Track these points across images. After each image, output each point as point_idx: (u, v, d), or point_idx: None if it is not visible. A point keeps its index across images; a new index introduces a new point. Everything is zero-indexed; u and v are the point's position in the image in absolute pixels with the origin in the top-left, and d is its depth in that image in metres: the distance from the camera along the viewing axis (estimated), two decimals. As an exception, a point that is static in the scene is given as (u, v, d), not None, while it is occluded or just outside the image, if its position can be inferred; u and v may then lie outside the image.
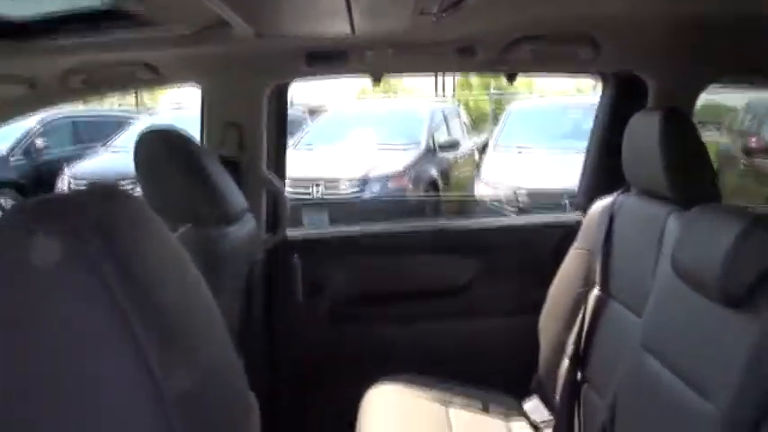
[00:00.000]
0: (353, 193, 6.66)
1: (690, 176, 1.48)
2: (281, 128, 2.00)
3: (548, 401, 1.84)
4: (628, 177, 1.68)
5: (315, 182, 6.61)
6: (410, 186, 6.87)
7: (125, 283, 0.53)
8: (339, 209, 5.77)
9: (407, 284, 2.08)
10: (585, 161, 2.07)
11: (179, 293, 0.63)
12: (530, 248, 2.06)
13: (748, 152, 6.78)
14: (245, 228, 1.65)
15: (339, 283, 2.05)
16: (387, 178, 6.80)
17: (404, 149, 7.14)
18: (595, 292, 1.76)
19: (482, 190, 6.51)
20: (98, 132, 8.30)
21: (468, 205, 6.72)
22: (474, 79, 11.19)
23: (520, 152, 6.61)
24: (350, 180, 6.69)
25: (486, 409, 1.86)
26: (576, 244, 1.87)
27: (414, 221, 2.17)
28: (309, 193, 6.56)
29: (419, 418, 1.74)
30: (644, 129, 1.55)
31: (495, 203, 6.04)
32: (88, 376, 0.52)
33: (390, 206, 6.27)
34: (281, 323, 2.03)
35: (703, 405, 1.10)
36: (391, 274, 2.07)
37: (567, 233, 1.93)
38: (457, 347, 2.04)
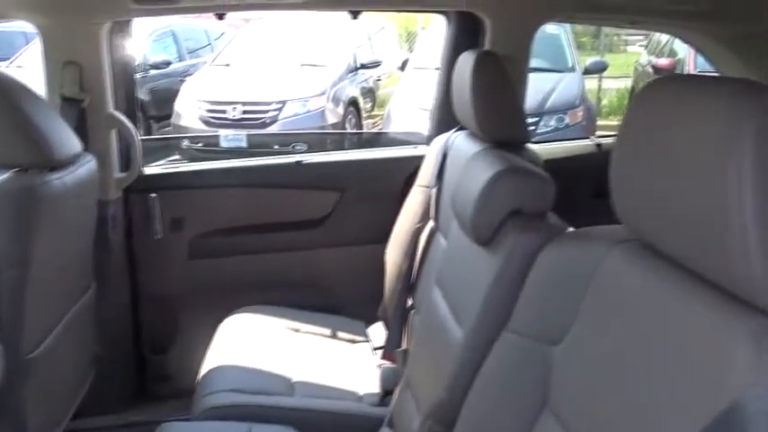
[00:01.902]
0: (271, 114, 6.58)
1: (497, 118, 1.57)
2: (126, 66, 1.97)
3: (389, 325, 1.99)
4: (457, 116, 1.76)
5: (232, 104, 6.50)
6: (330, 107, 6.82)
7: None
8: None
9: (265, 218, 2.15)
10: (434, 98, 2.13)
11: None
12: (384, 181, 2.15)
13: (657, 70, 6.99)
14: (82, 170, 1.66)
15: (198, 218, 2.10)
16: (305, 99, 6.74)
17: (324, 68, 7.03)
18: (430, 224, 1.88)
19: (395, 115, 6.46)
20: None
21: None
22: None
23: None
24: (267, 101, 6.59)
25: (334, 335, 1.99)
26: (417, 180, 1.97)
27: (272, 156, 2.20)
28: (226, 116, 6.46)
29: (268, 346, 1.86)
30: (462, 70, 1.61)
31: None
32: None
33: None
34: (142, 260, 2.08)
35: (457, 331, 1.24)
36: (249, 208, 2.13)
37: (419, 167, 2.02)
38: (312, 278, 2.15)
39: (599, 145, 2.17)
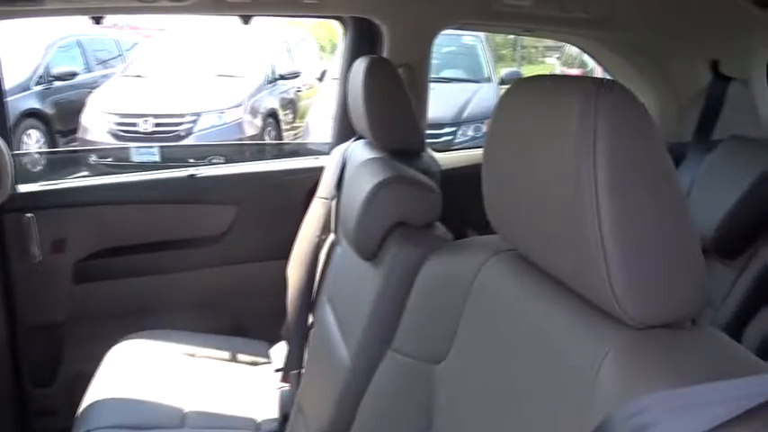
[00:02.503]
0: (185, 127, 6.36)
1: (390, 126, 1.51)
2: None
3: (292, 345, 1.90)
4: (353, 124, 1.70)
5: (143, 116, 6.24)
6: (248, 119, 6.66)
7: None
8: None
9: (157, 236, 2.02)
10: (335, 107, 2.07)
11: None
12: (285, 194, 2.06)
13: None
14: None
15: (82, 239, 1.95)
16: (221, 111, 6.55)
17: (241, 78, 6.86)
18: (331, 237, 1.80)
19: (313, 126, 6.36)
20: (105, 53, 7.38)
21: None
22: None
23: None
24: (181, 114, 6.37)
25: (234, 358, 1.88)
26: (318, 192, 1.89)
27: (164, 170, 2.08)
28: (137, 130, 6.20)
29: (159, 374, 1.72)
30: (355, 77, 1.56)
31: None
32: None
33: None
34: (20, 286, 1.91)
35: (344, 351, 1.16)
36: (139, 226, 1.99)
37: (320, 178, 1.95)
38: (211, 298, 2.04)
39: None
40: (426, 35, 1.88)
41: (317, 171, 1.98)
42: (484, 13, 1.87)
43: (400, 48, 1.83)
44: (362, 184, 1.15)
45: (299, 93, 7.65)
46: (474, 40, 6.63)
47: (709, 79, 1.96)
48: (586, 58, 7.30)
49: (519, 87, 0.74)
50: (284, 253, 1.96)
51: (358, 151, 1.70)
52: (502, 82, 6.90)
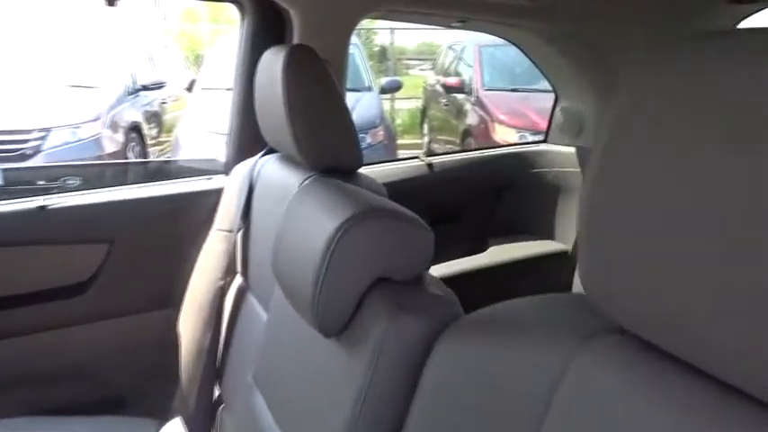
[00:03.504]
0: (32, 144, 5.55)
1: (324, 136, 1.16)
2: None
3: (191, 424, 1.47)
4: (263, 134, 1.33)
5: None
6: (108, 134, 5.95)
7: None
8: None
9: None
10: (231, 114, 1.66)
11: None
12: (170, 226, 1.62)
13: (447, 89, 7.15)
14: None
15: None
16: (75, 126, 5.80)
17: (97, 89, 6.13)
18: (238, 282, 1.41)
19: (184, 140, 5.74)
20: None
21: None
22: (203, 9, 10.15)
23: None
24: (27, 130, 5.56)
25: (110, 446, 1.42)
26: (215, 222, 1.49)
27: (7, 200, 1.56)
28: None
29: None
30: (268, 73, 1.19)
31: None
32: None
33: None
34: None
35: None
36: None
37: (217, 204, 1.54)
38: (76, 365, 1.55)
39: (430, 165, 1.87)
40: (345, 23, 1.54)
41: (212, 196, 1.57)
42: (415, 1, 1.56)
43: (313, 39, 1.47)
44: (314, 224, 0.78)
45: (164, 105, 7.02)
46: (353, 48, 6.38)
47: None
48: (462, 67, 7.29)
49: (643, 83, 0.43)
50: (172, 301, 1.54)
51: (272, 170, 1.32)
52: (383, 91, 6.74)
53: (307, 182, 1.15)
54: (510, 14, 1.56)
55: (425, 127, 8.28)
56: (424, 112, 8.55)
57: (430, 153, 7.49)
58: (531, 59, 1.88)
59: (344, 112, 1.21)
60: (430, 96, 8.22)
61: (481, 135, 5.93)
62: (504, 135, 5.60)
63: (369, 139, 6.01)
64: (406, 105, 9.31)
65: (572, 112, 1.92)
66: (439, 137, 7.53)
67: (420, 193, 1.81)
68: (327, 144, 1.15)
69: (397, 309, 0.69)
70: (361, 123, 6.08)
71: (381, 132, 6.15)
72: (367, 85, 6.62)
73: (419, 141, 8.37)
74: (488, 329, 0.60)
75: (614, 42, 1.73)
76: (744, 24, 1.81)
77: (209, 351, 1.34)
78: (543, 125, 5.45)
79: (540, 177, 1.94)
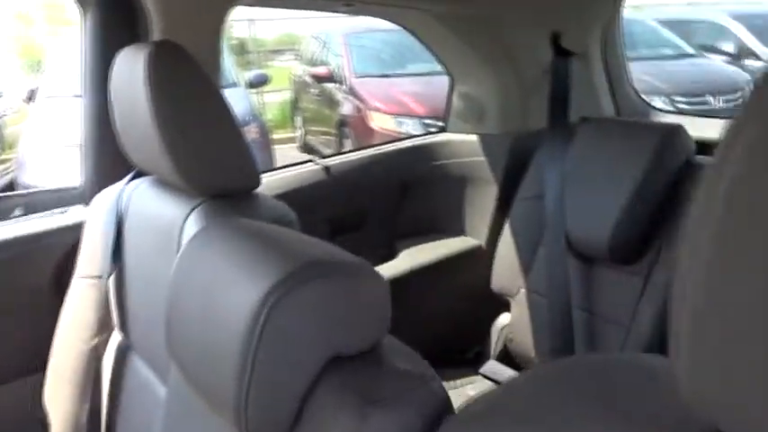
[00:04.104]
0: None
1: (207, 153, 0.93)
2: None
3: None
4: (128, 153, 1.07)
5: None
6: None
7: None
8: None
9: None
10: (83, 130, 1.36)
11: None
12: (18, 275, 1.30)
13: (317, 79, 6.94)
14: None
15: None
16: None
17: None
18: (116, 339, 1.14)
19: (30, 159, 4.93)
20: None
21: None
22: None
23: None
24: None
25: None
26: (77, 267, 1.20)
27: None
28: None
29: None
30: (127, 76, 0.93)
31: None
32: None
33: None
34: None
35: None
36: None
37: (77, 243, 1.25)
38: None
39: (326, 168, 1.67)
40: (215, 13, 1.30)
41: (69, 233, 1.28)
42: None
43: (178, 34, 1.21)
44: (223, 285, 0.56)
45: (3, 118, 6.26)
46: (213, 42, 5.98)
47: (550, 57, 1.69)
48: (330, 56, 7.10)
49: None
50: (32, 367, 1.24)
51: (146, 198, 1.07)
52: (250, 85, 6.42)
53: (195, 213, 0.92)
54: (403, -4, 1.40)
55: (298, 120, 8.02)
56: (294, 104, 8.28)
57: (307, 147, 7.25)
58: (424, 44, 1.73)
59: (230, 120, 0.98)
60: (299, 88, 7.96)
61: (357, 124, 5.78)
62: (382, 122, 5.48)
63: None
64: (274, 99, 8.98)
65: (472, 98, 1.79)
66: (313, 128, 7.30)
67: (318, 203, 1.61)
68: (215, 162, 0.93)
69: (363, 401, 0.50)
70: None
71: (255, 129, 5.83)
72: (232, 80, 6.26)
73: (293, 135, 8.10)
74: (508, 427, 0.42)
75: (513, 23, 1.63)
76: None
77: (91, 423, 1.07)
78: (420, 110, 5.45)
79: (444, 170, 1.81)
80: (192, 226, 0.90)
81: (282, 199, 1.51)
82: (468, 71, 1.76)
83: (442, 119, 1.93)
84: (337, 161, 1.71)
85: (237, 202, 0.92)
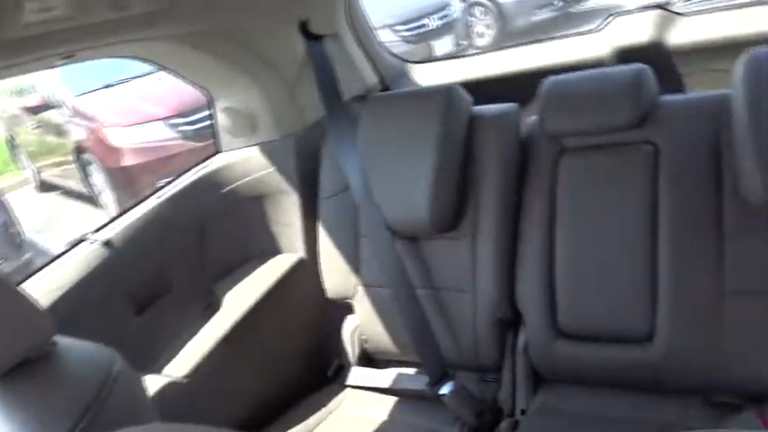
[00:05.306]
0: None
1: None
2: None
3: None
4: None
5: None
6: None
7: None
8: None
9: None
10: None
11: None
12: None
13: (31, 111, 6.08)
14: None
15: None
16: None
17: None
18: None
19: None
20: None
21: None
22: None
23: None
24: None
25: None
26: None
27: None
28: None
29: None
30: None
31: None
32: None
33: None
34: None
35: None
36: None
37: None
38: None
39: (107, 242, 1.42)
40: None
41: None
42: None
43: None
44: None
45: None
46: None
47: (304, 46, 1.60)
48: (39, 84, 6.18)
49: None
50: None
51: None
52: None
53: None
54: (129, 29, 1.18)
55: (22, 159, 7.02)
56: (11, 142, 7.22)
57: (45, 185, 6.31)
58: (169, 71, 1.51)
59: None
60: (10, 124, 6.93)
61: (98, 147, 5.16)
62: (125, 138, 4.94)
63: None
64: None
65: (238, 111, 1.63)
66: (45, 163, 6.41)
67: (110, 283, 1.38)
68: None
69: None
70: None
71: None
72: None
73: (22, 177, 7.08)
74: None
75: (258, 25, 1.49)
76: None
77: None
78: (162, 111, 4.93)
79: (236, 194, 1.65)
80: None
81: (68, 295, 1.27)
82: (227, 85, 1.60)
83: (212, 135, 1.74)
84: (117, 228, 1.47)
85: (35, 373, 0.71)
